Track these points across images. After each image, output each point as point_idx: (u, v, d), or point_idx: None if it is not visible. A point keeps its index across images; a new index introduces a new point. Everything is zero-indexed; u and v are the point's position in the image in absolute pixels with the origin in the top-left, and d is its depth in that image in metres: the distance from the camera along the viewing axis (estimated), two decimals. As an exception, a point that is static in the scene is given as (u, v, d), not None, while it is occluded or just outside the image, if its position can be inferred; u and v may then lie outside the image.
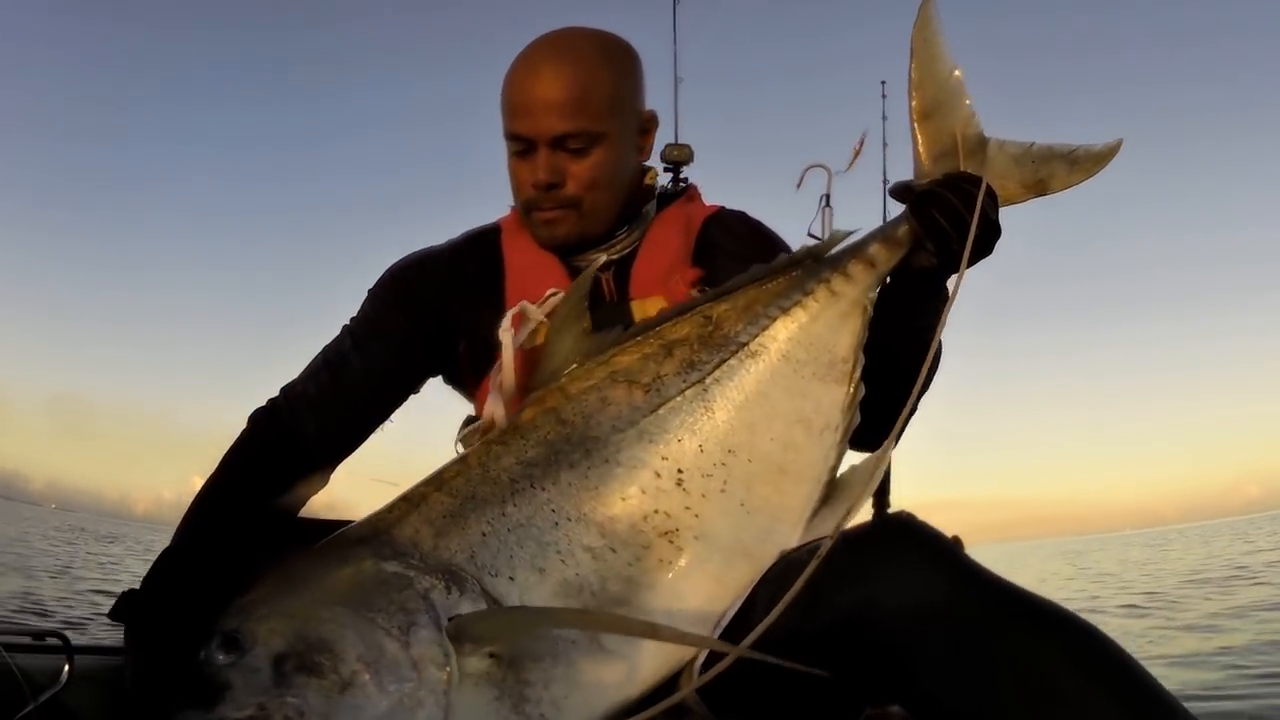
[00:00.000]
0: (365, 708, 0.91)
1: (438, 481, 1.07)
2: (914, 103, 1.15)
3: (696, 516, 1.02)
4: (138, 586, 1.06)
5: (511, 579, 0.99)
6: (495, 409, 1.13)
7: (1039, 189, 1.15)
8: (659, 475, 1.03)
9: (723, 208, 1.39)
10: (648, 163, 1.36)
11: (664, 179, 1.66)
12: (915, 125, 1.16)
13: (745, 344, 1.09)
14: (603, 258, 1.27)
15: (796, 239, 1.44)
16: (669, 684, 1.00)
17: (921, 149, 1.16)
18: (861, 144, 3.26)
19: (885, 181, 3.67)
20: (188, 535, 1.14)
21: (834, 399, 1.09)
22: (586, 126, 1.19)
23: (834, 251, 1.14)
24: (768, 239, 1.37)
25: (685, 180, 2.28)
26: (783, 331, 1.09)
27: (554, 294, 1.21)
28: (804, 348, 1.09)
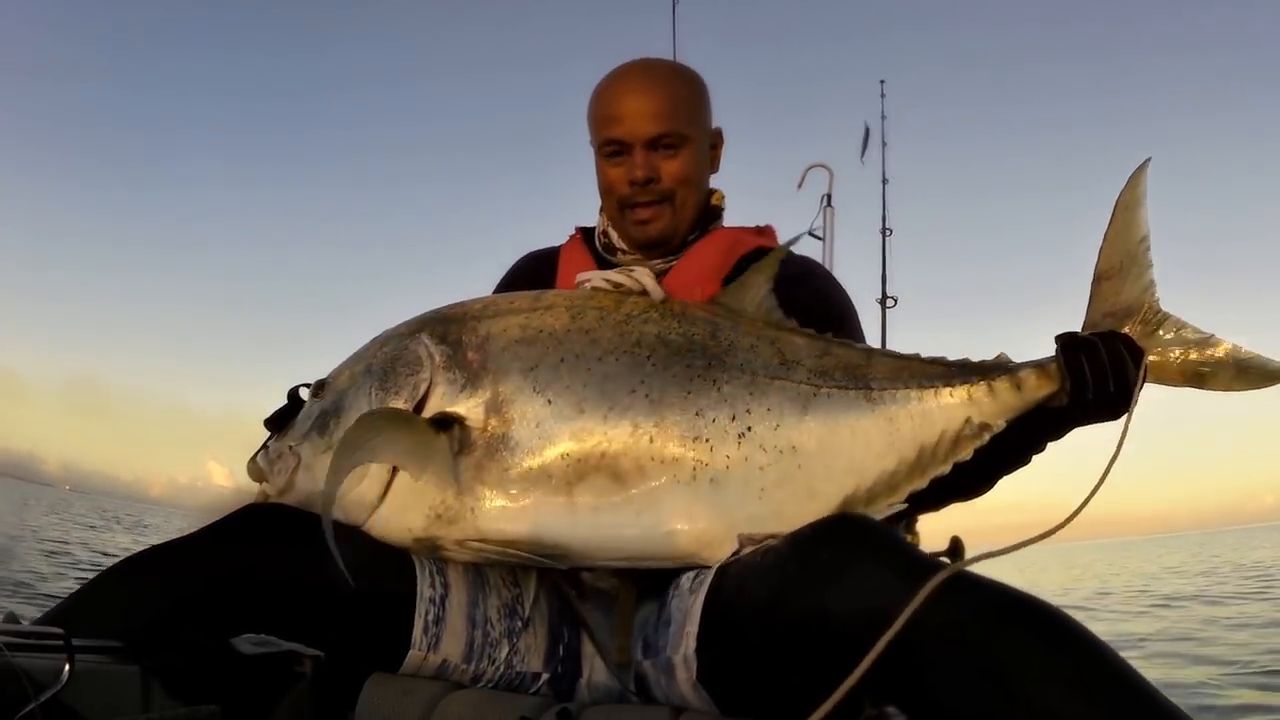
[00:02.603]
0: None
1: (572, 302, 1.23)
2: (1100, 261, 1.21)
3: (726, 468, 1.12)
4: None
5: (550, 402, 1.14)
6: (648, 281, 1.26)
7: (1196, 382, 1.18)
8: (733, 419, 1.14)
9: (790, 251, 1.46)
10: (716, 187, 1.51)
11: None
12: (1094, 284, 1.21)
13: (872, 389, 1.17)
14: (656, 264, 1.41)
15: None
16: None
17: (1094, 305, 1.22)
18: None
19: (885, 181, 3.67)
20: None
21: (900, 482, 1.15)
22: (677, 128, 1.37)
23: (989, 365, 1.19)
24: (822, 290, 1.43)
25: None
26: (905, 398, 1.16)
27: (586, 277, 1.32)
28: (911, 425, 1.16)
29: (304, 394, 1.28)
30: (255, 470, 1.26)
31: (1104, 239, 1.20)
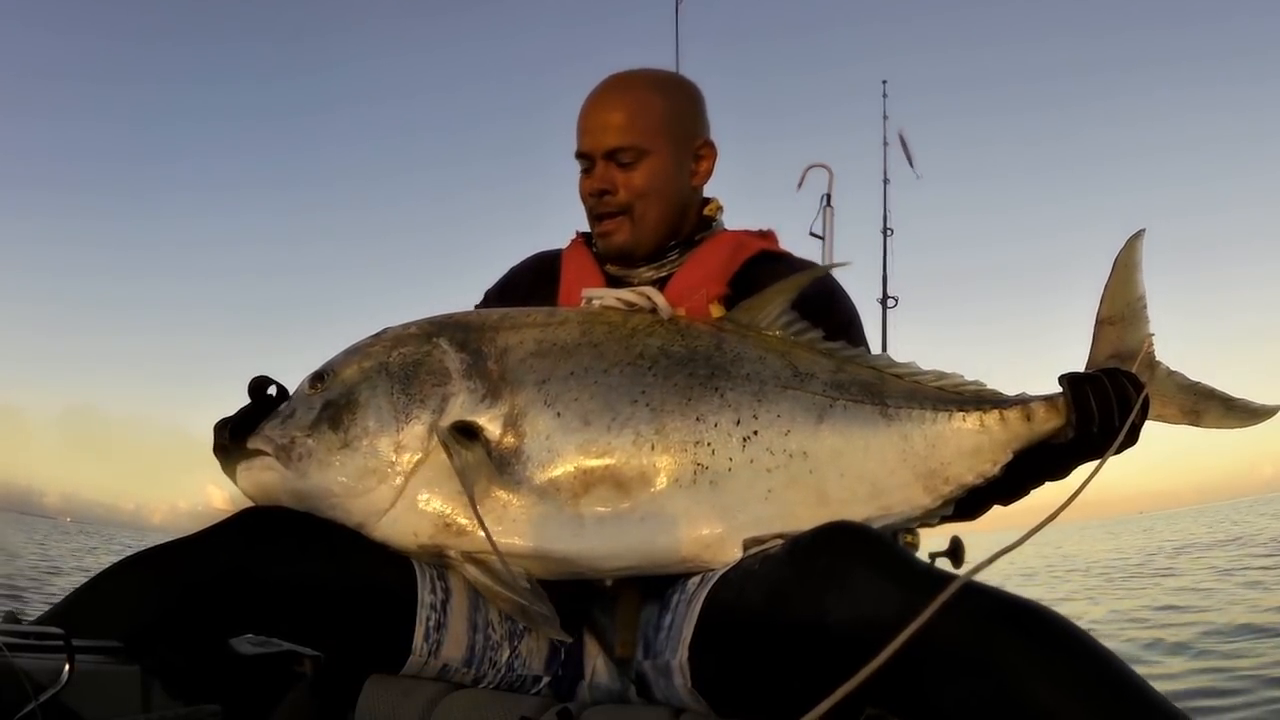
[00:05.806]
0: (346, 466, 1.13)
1: (584, 317, 1.24)
2: (1102, 308, 1.31)
3: (728, 470, 1.13)
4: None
5: (559, 415, 1.14)
6: (658, 298, 1.27)
7: (1192, 419, 1.29)
8: (738, 424, 1.15)
9: (790, 254, 1.49)
10: (712, 196, 1.52)
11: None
12: (1096, 327, 1.31)
13: (888, 405, 1.19)
14: (650, 273, 1.43)
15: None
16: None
17: (1097, 346, 1.31)
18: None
19: (885, 181, 3.66)
20: None
21: (911, 497, 1.18)
22: (634, 142, 1.38)
23: (1002, 396, 1.24)
24: (827, 297, 1.43)
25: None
26: (920, 418, 1.20)
27: (597, 294, 1.32)
28: (925, 444, 1.19)
29: (272, 391, 1.23)
30: (232, 455, 1.17)
31: (1105, 289, 1.30)
